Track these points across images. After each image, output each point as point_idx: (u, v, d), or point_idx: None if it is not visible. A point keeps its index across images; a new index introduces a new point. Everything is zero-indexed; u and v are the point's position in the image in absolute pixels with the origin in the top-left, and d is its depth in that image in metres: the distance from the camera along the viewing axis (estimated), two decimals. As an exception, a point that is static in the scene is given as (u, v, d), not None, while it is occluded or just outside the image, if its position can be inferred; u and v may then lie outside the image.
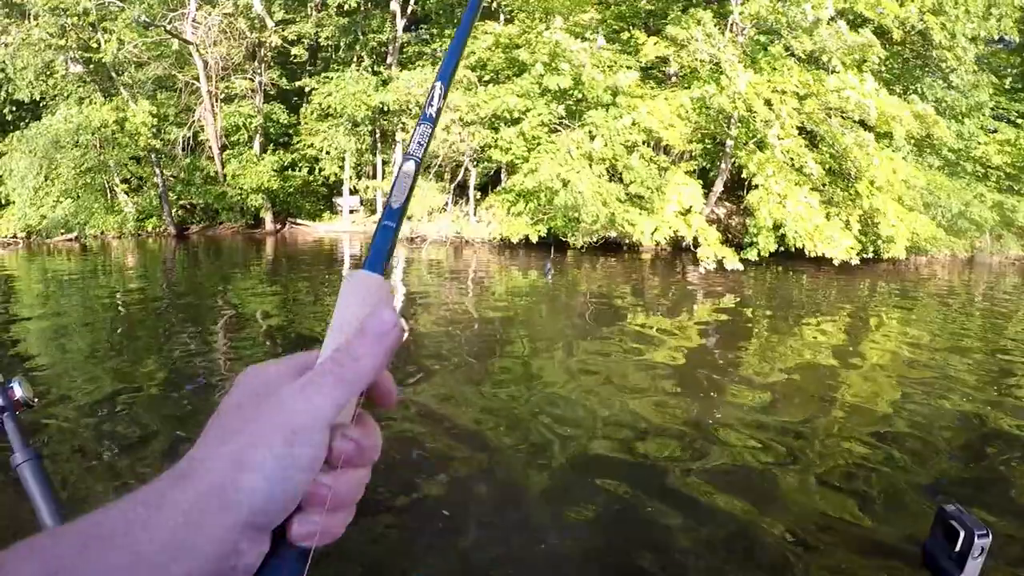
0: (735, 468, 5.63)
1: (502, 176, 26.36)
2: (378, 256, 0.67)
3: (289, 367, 0.63)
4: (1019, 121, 29.10)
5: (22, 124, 28.40)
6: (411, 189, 0.69)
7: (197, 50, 28.11)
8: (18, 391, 1.82)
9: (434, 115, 0.71)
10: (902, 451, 6.06)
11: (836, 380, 8.41)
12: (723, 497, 5.12)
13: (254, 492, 0.53)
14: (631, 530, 4.71)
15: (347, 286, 0.66)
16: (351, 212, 30.29)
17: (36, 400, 1.87)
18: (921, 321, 13.48)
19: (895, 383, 8.37)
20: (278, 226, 29.76)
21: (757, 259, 20.77)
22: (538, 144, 22.98)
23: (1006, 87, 30.46)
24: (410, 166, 0.69)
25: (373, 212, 29.90)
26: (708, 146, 23.62)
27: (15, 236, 29.81)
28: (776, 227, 20.41)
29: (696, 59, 22.94)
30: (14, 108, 29.91)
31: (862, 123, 21.50)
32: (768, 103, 20.83)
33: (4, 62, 28.00)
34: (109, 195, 29.51)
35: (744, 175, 21.99)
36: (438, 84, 0.73)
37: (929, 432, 6.61)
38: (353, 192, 30.45)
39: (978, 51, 26.56)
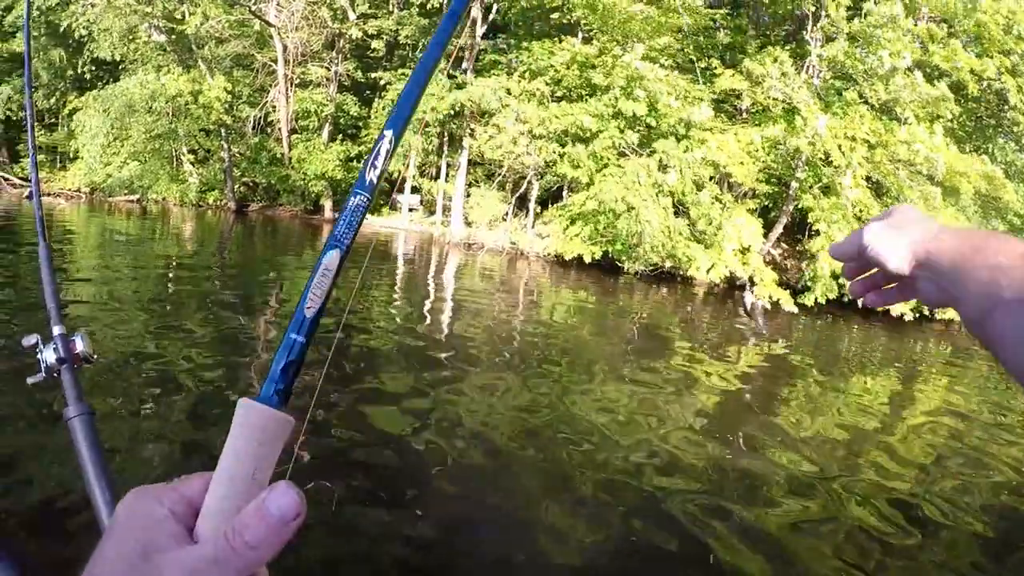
0: (750, 520, 5.48)
1: (564, 193, 26.28)
2: (281, 378, 0.59)
3: (177, 506, 0.60)
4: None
5: (100, 84, 28.68)
6: (331, 286, 0.61)
7: (278, 33, 28.44)
8: (80, 345, 1.80)
9: (375, 180, 0.62)
10: (926, 532, 5.81)
11: (871, 443, 8.11)
12: (734, 547, 5.03)
13: None
14: (638, 561, 4.67)
15: (240, 420, 0.58)
16: (410, 210, 30.39)
17: (95, 357, 1.85)
18: (968, 389, 13.16)
19: (932, 455, 8.05)
20: (336, 214, 29.43)
21: (812, 305, 20.50)
22: (605, 166, 22.86)
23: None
24: (333, 257, 0.61)
25: (432, 212, 30.03)
26: (774, 187, 23.38)
27: (79, 190, 30.25)
28: (835, 276, 20.14)
29: (769, 97, 22.79)
30: (93, 67, 30.30)
31: (929, 177, 21.22)
32: (840, 149, 20.60)
33: (90, 21, 28.34)
34: (175, 163, 30.01)
35: (810, 219, 21.68)
36: (387, 133, 0.64)
37: (959, 514, 6.27)
38: (414, 191, 30.56)
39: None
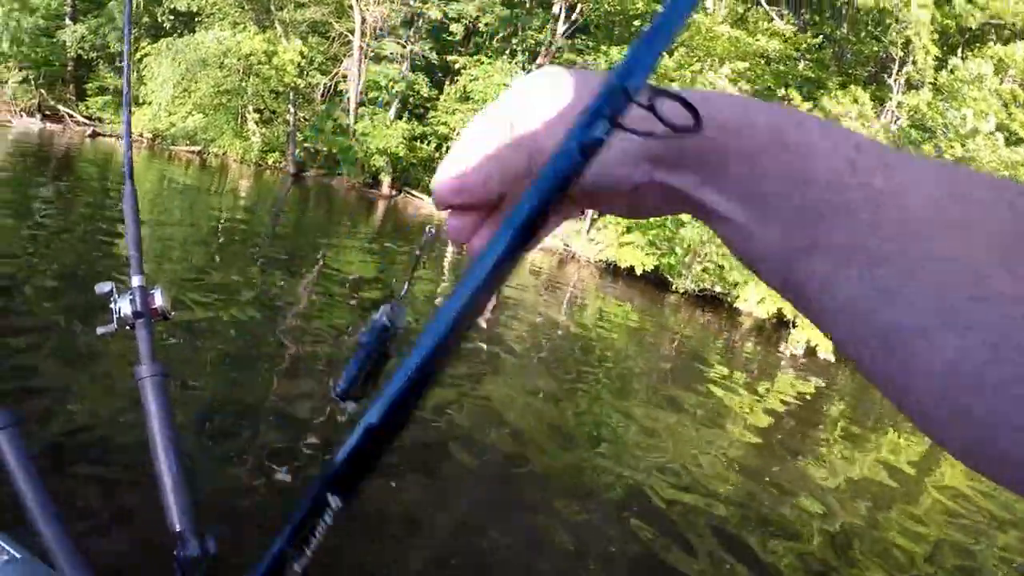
0: (766, 560, 5.36)
1: (624, 201, 25.97)
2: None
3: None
4: None
5: (175, 33, 28.67)
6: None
7: (358, 4, 28.22)
8: (159, 299, 1.73)
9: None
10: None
11: (896, 503, 7.89)
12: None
13: None
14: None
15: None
16: (467, 198, 29.84)
17: (173, 314, 1.78)
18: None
19: (954, 524, 7.68)
20: (393, 192, 29.74)
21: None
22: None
23: None
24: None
25: (489, 201, 29.57)
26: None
27: (141, 135, 30.29)
28: None
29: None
30: (171, 16, 30.31)
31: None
32: None
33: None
34: (240, 120, 30.03)
35: None
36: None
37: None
38: (475, 179, 29.99)
39: None
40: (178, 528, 1.38)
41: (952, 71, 21.75)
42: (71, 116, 31.90)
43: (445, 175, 0.55)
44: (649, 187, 0.49)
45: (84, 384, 5.21)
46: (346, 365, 0.53)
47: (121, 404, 4.82)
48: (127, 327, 1.69)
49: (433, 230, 0.62)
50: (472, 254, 0.55)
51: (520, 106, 0.50)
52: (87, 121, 31.86)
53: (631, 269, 22.51)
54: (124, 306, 1.68)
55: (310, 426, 5.51)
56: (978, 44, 24.61)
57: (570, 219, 0.62)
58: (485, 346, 9.30)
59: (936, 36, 22.09)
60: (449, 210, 0.57)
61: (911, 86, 23.60)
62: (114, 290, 1.71)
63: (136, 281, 1.73)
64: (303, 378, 6.64)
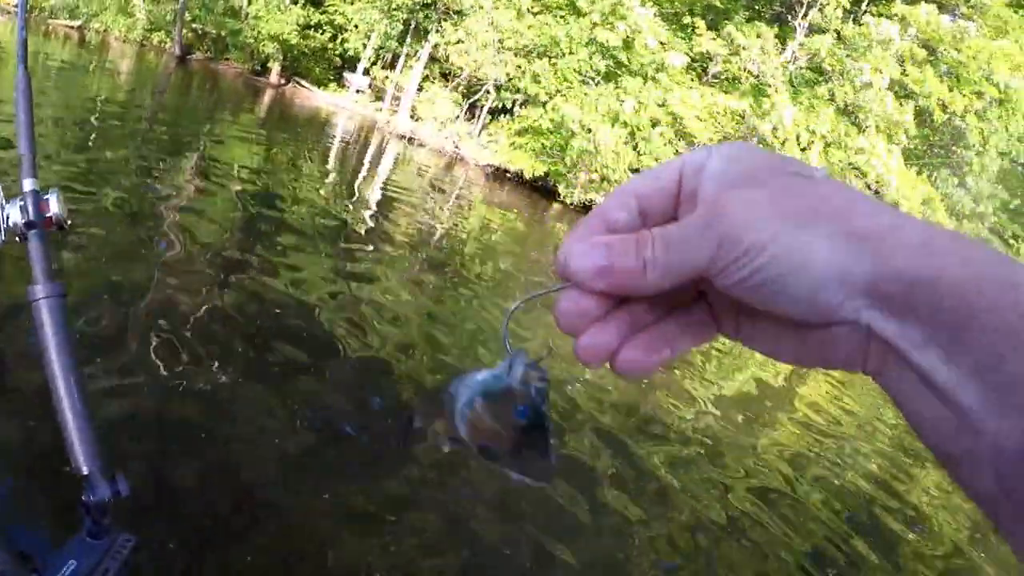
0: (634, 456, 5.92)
1: (516, 109, 25.66)
2: None
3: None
4: (1011, 241, 29.22)
5: None
6: None
7: None
8: (54, 205, 1.54)
9: None
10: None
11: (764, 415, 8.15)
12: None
13: None
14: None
15: None
16: (357, 92, 29.53)
17: (69, 223, 1.60)
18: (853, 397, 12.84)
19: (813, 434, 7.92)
20: (282, 81, 28.89)
21: None
22: (569, 88, 22.29)
23: (1010, 206, 30.62)
24: None
25: (379, 99, 29.23)
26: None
27: (15, 6, 28.56)
28: None
29: (743, 69, 22.78)
30: None
31: (876, 192, 21.39)
32: (799, 139, 20.72)
33: None
34: (125, -4, 28.47)
35: None
36: None
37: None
38: (366, 73, 29.69)
39: (1002, 165, 26.81)
40: (85, 470, 1.27)
41: (860, 25, 22.27)
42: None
43: (594, 242, 0.46)
44: (850, 330, 0.41)
45: None
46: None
47: (11, 330, 4.08)
48: (17, 238, 1.52)
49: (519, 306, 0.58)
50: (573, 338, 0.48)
51: (726, 180, 0.44)
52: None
53: (517, 175, 22.36)
54: (13, 214, 1.51)
55: (209, 334, 4.95)
56: (883, 1, 25.26)
57: (707, 341, 0.51)
58: (361, 244, 9.24)
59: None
60: (567, 283, 0.47)
61: (814, 30, 23.97)
62: (0, 195, 1.52)
63: (28, 184, 1.54)
64: (194, 275, 5.98)
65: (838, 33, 23.07)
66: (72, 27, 27.72)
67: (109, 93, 16.12)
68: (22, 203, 1.51)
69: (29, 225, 1.50)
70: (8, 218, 1.51)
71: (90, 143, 10.09)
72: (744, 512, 5.08)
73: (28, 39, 1.65)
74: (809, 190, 0.42)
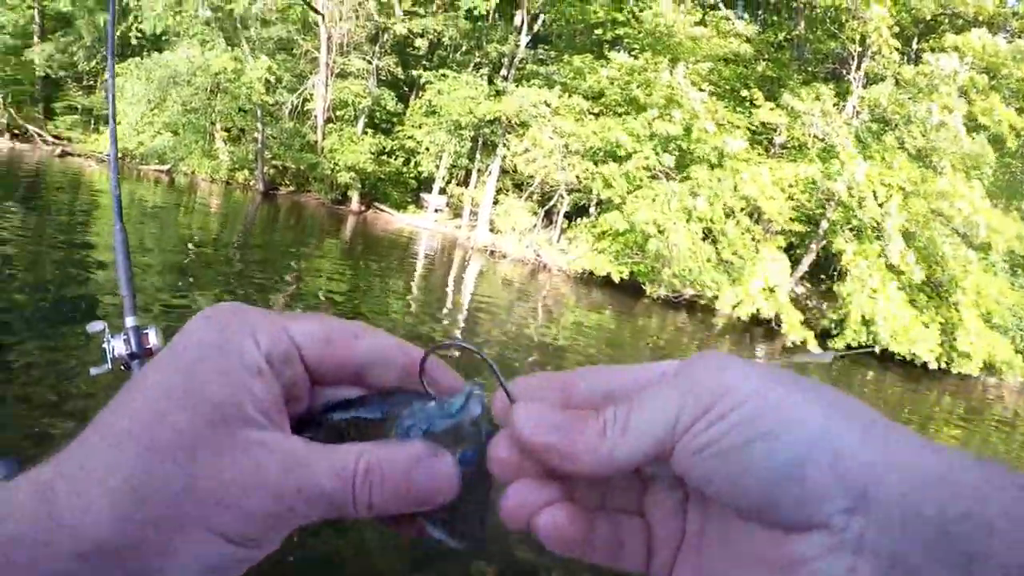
0: None
1: (591, 209, 25.95)
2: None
3: (278, 356, 0.44)
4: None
5: (144, 52, 28.45)
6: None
7: (324, 21, 28.20)
8: (153, 339, 1.71)
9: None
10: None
11: None
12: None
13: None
14: None
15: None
16: (436, 211, 30.17)
17: None
18: (981, 447, 12.79)
19: None
20: (362, 207, 29.75)
21: (841, 350, 19.74)
22: (639, 187, 22.55)
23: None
24: None
25: (457, 215, 29.83)
26: (803, 226, 22.86)
27: (109, 155, 29.98)
28: (867, 322, 19.73)
29: (808, 134, 22.50)
30: (140, 34, 30.11)
31: (963, 235, 20.75)
32: (875, 195, 20.16)
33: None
34: (208, 139, 30.03)
35: (843, 262, 21.12)
36: None
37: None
38: (442, 192, 30.36)
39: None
40: None
41: (920, 65, 21.83)
42: (40, 135, 31.68)
43: (549, 421, 0.43)
44: (827, 545, 0.37)
45: (81, 426, 4.99)
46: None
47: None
48: (122, 367, 1.67)
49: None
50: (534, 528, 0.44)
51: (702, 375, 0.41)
52: (56, 140, 31.64)
53: (603, 277, 22.51)
54: (118, 346, 1.67)
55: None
56: (933, 35, 24.71)
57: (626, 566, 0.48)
58: (458, 353, 9.18)
59: (894, 29, 22.10)
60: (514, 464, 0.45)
61: (871, 80, 23.59)
62: (106, 330, 1.70)
63: (130, 322, 1.72)
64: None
65: (896, 79, 22.46)
66: (162, 171, 29.15)
67: (201, 230, 17.19)
68: (125, 337, 1.69)
69: (132, 356, 1.68)
70: (113, 350, 1.68)
71: (186, 278, 10.87)
72: None
73: (123, 185, 2.02)
74: (810, 383, 0.41)
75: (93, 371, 1.69)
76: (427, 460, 0.44)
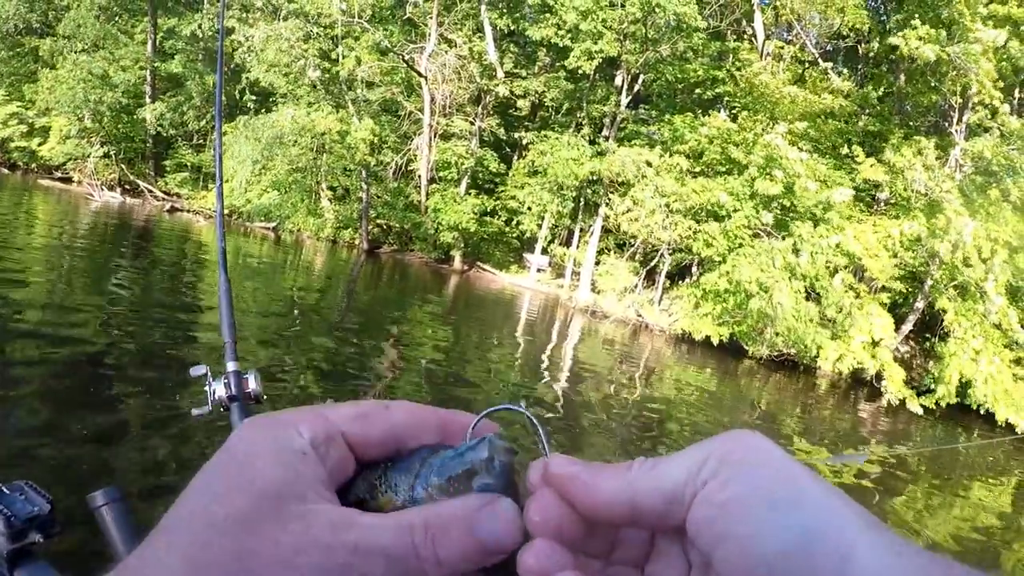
0: None
1: (693, 269, 26.21)
2: None
3: (321, 442, 0.47)
4: None
5: (252, 112, 29.47)
6: None
7: (427, 83, 29.10)
8: (252, 383, 1.80)
9: None
10: None
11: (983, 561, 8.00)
12: None
13: None
14: None
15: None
16: (538, 271, 30.59)
17: (265, 398, 1.84)
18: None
19: None
20: (465, 267, 30.39)
21: (932, 407, 19.53)
22: (740, 245, 22.75)
23: None
24: None
25: (560, 275, 30.25)
26: (907, 284, 22.69)
27: (214, 211, 31.03)
28: (965, 384, 19.46)
29: (911, 189, 22.34)
30: (253, 96, 31.20)
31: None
32: (980, 252, 19.89)
33: (247, 51, 29.41)
34: (314, 198, 30.93)
35: (946, 321, 20.88)
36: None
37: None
38: (544, 252, 30.77)
39: None
40: None
41: (1022, 116, 21.63)
42: (150, 191, 33.44)
43: (581, 463, 0.47)
44: None
45: (182, 463, 5.36)
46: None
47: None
48: (222, 409, 1.76)
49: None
50: None
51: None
52: (165, 196, 33.36)
53: (707, 339, 22.61)
54: (218, 389, 1.75)
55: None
56: None
57: None
58: (555, 419, 9.45)
59: (998, 83, 21.91)
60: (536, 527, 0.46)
61: (973, 132, 23.42)
62: (208, 373, 1.77)
63: (231, 366, 1.81)
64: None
65: (1000, 131, 22.06)
66: (268, 228, 30.11)
67: (305, 287, 17.70)
68: (226, 381, 1.75)
69: (231, 399, 1.74)
70: (215, 393, 1.74)
71: (292, 330, 11.36)
72: None
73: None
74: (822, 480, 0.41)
75: (195, 412, 1.76)
76: (486, 507, 0.45)
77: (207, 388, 1.77)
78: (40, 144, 34.01)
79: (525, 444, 0.54)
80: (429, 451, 0.49)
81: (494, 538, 0.45)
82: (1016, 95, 24.44)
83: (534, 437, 0.49)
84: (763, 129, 23.16)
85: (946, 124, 25.17)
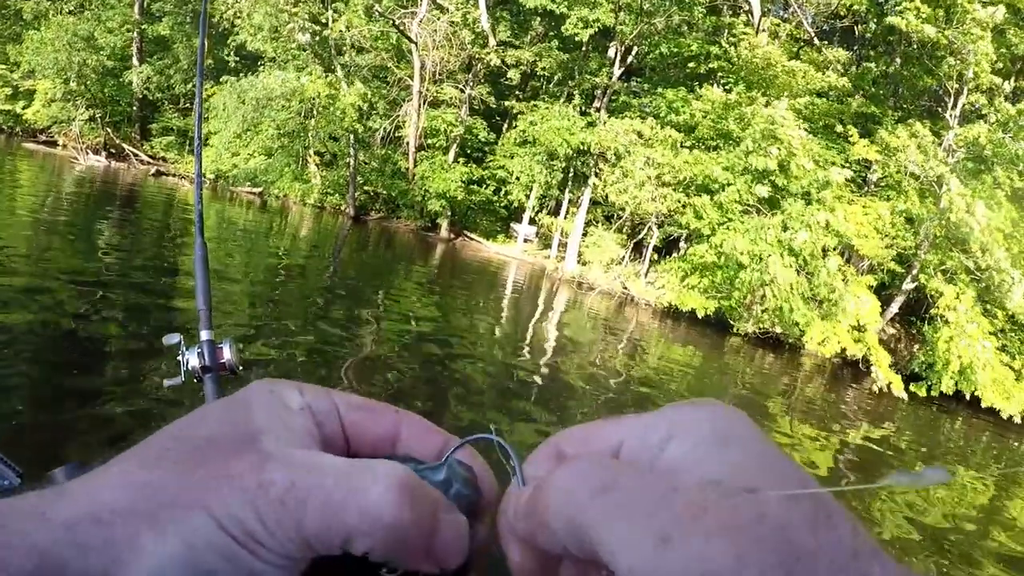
0: None
1: (681, 244, 26.20)
2: None
3: (323, 410, 0.46)
4: None
5: (240, 75, 29.20)
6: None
7: (417, 50, 28.91)
8: (227, 353, 1.74)
9: None
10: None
11: (973, 544, 8.02)
12: None
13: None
14: None
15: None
16: (525, 240, 30.59)
17: (241, 368, 1.78)
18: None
19: None
20: (452, 235, 30.31)
21: (925, 396, 19.43)
22: (729, 220, 22.66)
23: None
24: None
25: (547, 246, 30.23)
26: (895, 265, 22.64)
27: (203, 175, 30.85)
28: (961, 371, 19.27)
29: (904, 172, 22.31)
30: (238, 58, 30.92)
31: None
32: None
33: (235, 14, 29.16)
34: (301, 163, 30.67)
35: (939, 305, 20.63)
36: None
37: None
38: (532, 222, 30.76)
39: None
40: None
41: (1017, 103, 21.55)
42: (135, 155, 33.12)
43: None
44: None
45: (150, 434, 5.20)
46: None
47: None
48: (195, 380, 1.71)
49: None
50: None
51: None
52: (151, 160, 33.11)
53: (691, 312, 22.59)
54: (192, 359, 1.70)
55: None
56: None
57: None
58: (538, 392, 9.47)
59: (996, 65, 21.87)
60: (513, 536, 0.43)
61: (967, 119, 23.42)
62: (182, 343, 1.72)
63: (205, 335, 1.75)
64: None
65: (996, 117, 22.01)
66: (254, 193, 29.99)
67: (290, 252, 17.57)
68: (199, 350, 1.69)
69: (205, 369, 1.69)
70: (188, 362, 1.69)
71: (274, 297, 11.23)
72: None
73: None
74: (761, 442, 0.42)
75: (167, 382, 1.71)
76: (445, 513, 0.42)
77: (180, 358, 1.72)
78: (25, 107, 33.67)
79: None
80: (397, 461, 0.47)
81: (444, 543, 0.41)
82: (1012, 82, 24.39)
83: (510, 462, 0.47)
84: (765, 103, 22.93)
85: (940, 109, 25.13)
